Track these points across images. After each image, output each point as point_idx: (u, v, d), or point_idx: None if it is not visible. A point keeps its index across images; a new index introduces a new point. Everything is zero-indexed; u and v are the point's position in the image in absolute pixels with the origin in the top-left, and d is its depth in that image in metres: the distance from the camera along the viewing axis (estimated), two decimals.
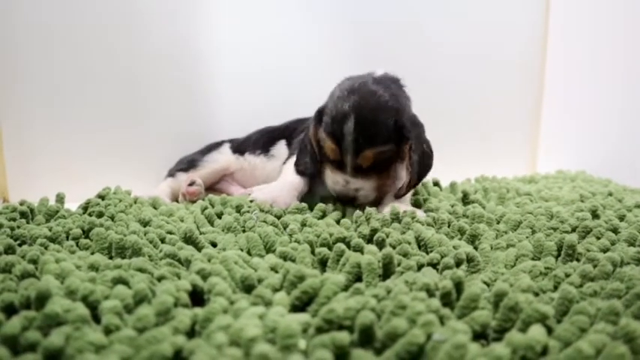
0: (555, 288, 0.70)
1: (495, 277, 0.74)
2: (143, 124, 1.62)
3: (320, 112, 1.15)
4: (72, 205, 1.13)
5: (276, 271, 0.73)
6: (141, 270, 0.70)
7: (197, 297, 0.64)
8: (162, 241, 0.87)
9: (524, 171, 1.94)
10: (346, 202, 1.13)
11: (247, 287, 0.66)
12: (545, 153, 1.98)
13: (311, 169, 1.20)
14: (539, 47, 1.98)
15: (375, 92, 1.08)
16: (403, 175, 1.14)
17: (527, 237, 0.93)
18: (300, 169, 1.22)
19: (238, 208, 1.10)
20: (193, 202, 1.29)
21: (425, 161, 1.12)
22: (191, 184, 1.36)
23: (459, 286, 0.63)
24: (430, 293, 0.62)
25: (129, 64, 1.58)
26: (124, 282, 0.64)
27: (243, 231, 0.96)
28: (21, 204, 1.05)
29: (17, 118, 1.51)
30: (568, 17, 1.91)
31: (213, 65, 1.66)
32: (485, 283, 0.72)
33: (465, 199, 1.21)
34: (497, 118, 1.96)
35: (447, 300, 0.61)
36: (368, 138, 1.06)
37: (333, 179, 1.13)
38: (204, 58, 1.65)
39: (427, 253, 0.85)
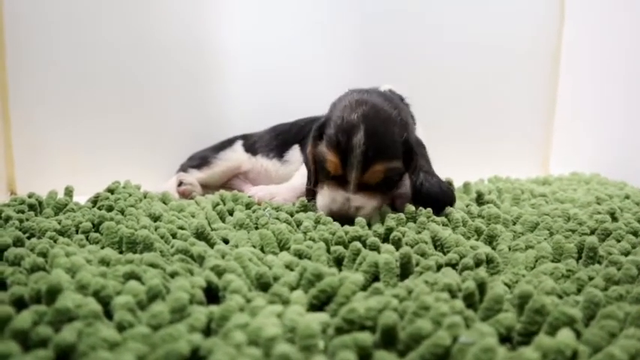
0: (579, 291, 0.68)
1: (516, 279, 0.72)
2: (153, 118, 1.61)
3: (320, 128, 1.07)
4: (80, 198, 1.12)
5: (292, 269, 0.71)
6: (153, 265, 0.68)
7: (212, 294, 0.62)
8: (174, 236, 0.85)
9: (536, 172, 1.91)
10: (343, 223, 0.96)
11: (263, 285, 0.64)
12: (558, 154, 1.95)
13: (308, 184, 1.12)
14: (553, 47, 1.95)
15: (384, 105, 1.03)
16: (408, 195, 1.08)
17: (545, 239, 0.91)
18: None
19: (249, 205, 1.09)
20: (192, 198, 1.28)
21: (436, 187, 1.06)
22: (179, 184, 1.36)
23: (481, 287, 0.61)
24: (453, 294, 0.60)
25: (139, 57, 1.57)
26: (136, 277, 0.62)
27: (256, 228, 0.94)
28: (29, 196, 1.04)
29: (27, 111, 1.50)
30: (583, 17, 1.88)
31: (225, 61, 1.65)
32: (506, 284, 0.70)
33: (480, 200, 1.19)
34: (509, 118, 1.93)
35: (470, 301, 0.59)
36: (379, 151, 0.98)
37: (331, 197, 1.01)
38: (216, 53, 1.65)
39: (444, 253, 0.83)
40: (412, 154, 1.04)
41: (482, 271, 0.66)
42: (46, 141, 1.52)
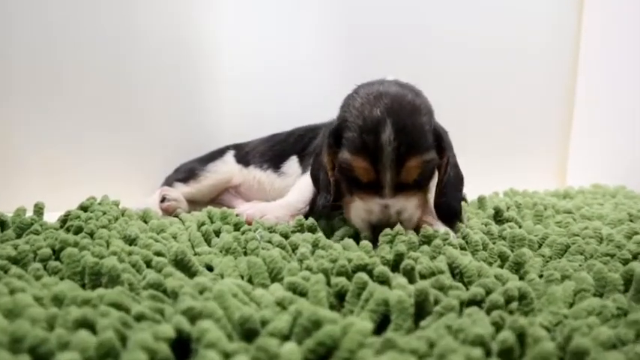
0: (637, 337, 0.55)
1: (557, 320, 0.59)
2: (138, 128, 1.49)
3: (334, 133, 0.94)
4: (56, 215, 1.00)
5: (284, 307, 0.59)
6: (115, 305, 0.56)
7: (183, 346, 0.50)
8: (148, 264, 0.73)
9: (552, 183, 1.79)
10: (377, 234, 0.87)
11: (248, 333, 0.51)
12: (575, 164, 1.83)
13: (325, 200, 0.98)
14: (570, 54, 1.84)
15: (405, 94, 0.91)
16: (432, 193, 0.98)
17: (580, 265, 0.79)
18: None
19: (238, 226, 0.96)
20: (176, 215, 1.15)
21: (460, 176, 0.98)
22: (162, 200, 1.23)
23: (520, 337, 0.49)
24: (486, 348, 0.47)
25: (121, 66, 1.45)
26: (89, 325, 0.50)
27: (245, 253, 0.82)
28: None
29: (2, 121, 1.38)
30: (602, 24, 1.77)
31: (213, 68, 1.54)
32: (545, 327, 0.58)
33: (498, 217, 1.07)
34: (524, 126, 1.82)
35: (508, 358, 0.46)
36: (411, 145, 0.86)
37: (367, 208, 0.89)
38: (203, 60, 1.53)
39: (465, 284, 0.71)
40: (442, 143, 0.93)
41: (516, 313, 0.54)
42: (21, 151, 1.40)
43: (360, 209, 0.90)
